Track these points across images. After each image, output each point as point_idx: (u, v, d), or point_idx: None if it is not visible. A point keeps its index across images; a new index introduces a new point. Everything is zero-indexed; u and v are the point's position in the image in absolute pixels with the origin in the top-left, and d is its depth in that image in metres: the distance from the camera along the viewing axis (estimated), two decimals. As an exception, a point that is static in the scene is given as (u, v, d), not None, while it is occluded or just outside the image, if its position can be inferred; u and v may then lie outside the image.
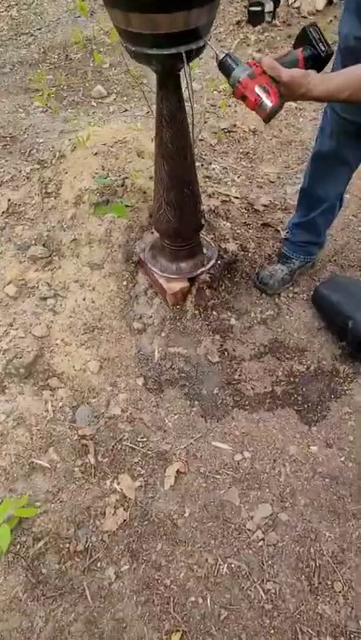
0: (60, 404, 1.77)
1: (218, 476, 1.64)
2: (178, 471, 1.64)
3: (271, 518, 1.56)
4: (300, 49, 1.30)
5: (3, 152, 2.82)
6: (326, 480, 1.62)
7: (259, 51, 3.80)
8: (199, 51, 1.43)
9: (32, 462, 1.64)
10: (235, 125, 3.02)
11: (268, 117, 1.29)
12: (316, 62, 1.28)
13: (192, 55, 1.43)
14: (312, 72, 1.22)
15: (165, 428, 1.74)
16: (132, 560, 1.48)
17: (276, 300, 2.11)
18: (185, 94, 1.54)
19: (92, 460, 1.66)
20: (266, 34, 3.91)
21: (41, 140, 2.83)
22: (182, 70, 1.50)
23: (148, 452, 1.68)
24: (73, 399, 1.79)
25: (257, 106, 1.27)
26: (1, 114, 3.17)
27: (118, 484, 1.62)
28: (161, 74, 1.50)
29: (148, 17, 1.26)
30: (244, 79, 1.25)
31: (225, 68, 1.30)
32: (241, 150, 2.90)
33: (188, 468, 1.65)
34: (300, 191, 2.00)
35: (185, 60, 1.40)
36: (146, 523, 1.55)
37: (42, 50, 3.88)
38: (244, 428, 1.75)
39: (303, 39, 1.30)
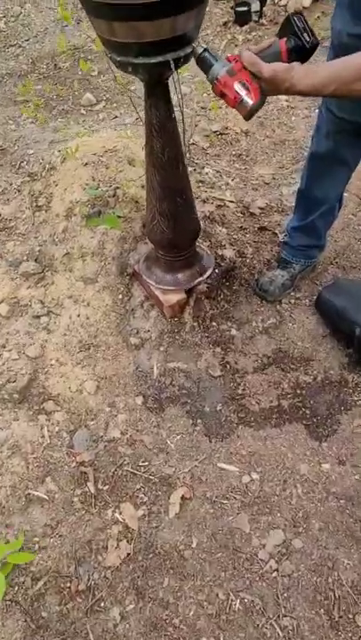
0: (57, 428, 1.62)
1: (225, 501, 1.48)
2: (183, 497, 1.48)
3: (284, 546, 1.41)
4: (284, 39, 1.13)
5: (-7, 165, 2.66)
6: (341, 501, 1.46)
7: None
8: (187, 57, 1.28)
9: (29, 494, 1.48)
10: (226, 127, 2.85)
11: (248, 115, 1.14)
12: (301, 54, 1.11)
13: (180, 62, 1.27)
14: (296, 65, 1.07)
15: (168, 449, 1.59)
16: (138, 598, 1.33)
17: (278, 307, 1.94)
18: (174, 99, 1.38)
19: (92, 489, 1.50)
20: (253, 33, 3.73)
21: (31, 152, 2.66)
22: (171, 77, 1.35)
23: (151, 477, 1.53)
24: (70, 423, 1.63)
25: (237, 103, 1.12)
26: (-10, 126, 3.01)
27: (120, 513, 1.46)
28: (148, 83, 1.35)
29: (132, 25, 1.12)
30: (222, 76, 1.11)
31: (203, 63, 1.15)
32: (234, 152, 2.73)
33: (193, 493, 1.50)
34: (298, 193, 1.84)
35: (173, 67, 1.25)
36: (151, 556, 1.40)
37: (30, 60, 3.71)
38: (250, 446, 1.59)
39: (287, 29, 1.12)
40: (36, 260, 1.98)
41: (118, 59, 1.26)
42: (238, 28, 3.83)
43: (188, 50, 1.28)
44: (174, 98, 1.39)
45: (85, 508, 1.47)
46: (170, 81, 1.37)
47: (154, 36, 1.18)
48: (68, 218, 2.02)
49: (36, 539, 1.41)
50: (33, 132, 2.92)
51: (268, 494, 1.50)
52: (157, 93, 1.38)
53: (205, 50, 1.15)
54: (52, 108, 3.23)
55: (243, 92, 1.11)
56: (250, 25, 3.82)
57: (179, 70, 1.32)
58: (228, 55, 1.14)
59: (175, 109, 1.42)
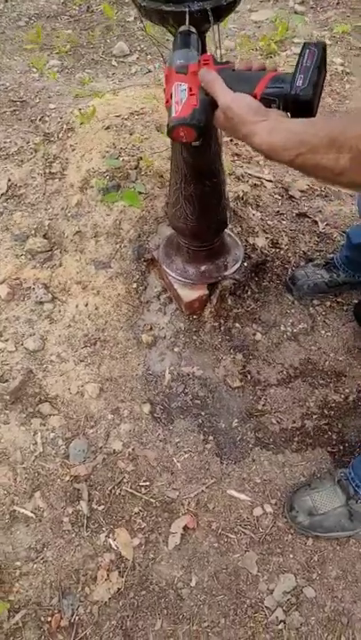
0: (52, 435, 1.44)
1: (233, 536, 1.31)
2: (185, 527, 1.31)
3: (295, 593, 1.24)
4: (273, 74, 0.82)
5: (11, 119, 2.40)
6: (364, 551, 1.27)
7: (302, 2, 3.22)
8: (231, 6, 1.00)
9: (14, 510, 1.32)
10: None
11: (167, 130, 0.86)
12: (286, 105, 0.79)
13: (222, 12, 1.00)
14: (273, 112, 0.77)
15: (173, 469, 1.41)
16: (125, 642, 1.18)
17: (311, 309, 1.70)
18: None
19: (85, 509, 1.34)
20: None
21: (53, 107, 2.39)
22: (210, 30, 1.08)
23: (152, 501, 1.35)
24: (67, 429, 1.46)
25: (167, 106, 0.86)
26: (12, 74, 2.73)
27: (114, 539, 1.30)
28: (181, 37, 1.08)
29: None
30: (169, 67, 0.86)
31: (174, 42, 0.90)
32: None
33: (197, 522, 1.33)
34: None
35: (211, 19, 0.98)
36: (144, 592, 1.24)
37: (61, 1, 3.37)
38: (266, 473, 1.40)
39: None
40: (44, 237, 1.76)
41: (143, 3, 0.99)
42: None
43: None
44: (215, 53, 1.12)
45: (76, 531, 1.31)
46: (208, 35, 1.10)
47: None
48: (82, 190, 1.79)
49: (18, 563, 1.26)
50: (57, 82, 2.64)
51: (282, 532, 1.32)
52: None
53: (187, 32, 0.90)
54: (80, 57, 2.92)
55: (173, 99, 0.84)
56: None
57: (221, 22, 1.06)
58: (206, 54, 0.89)
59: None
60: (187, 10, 0.95)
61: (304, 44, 0.81)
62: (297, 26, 2.97)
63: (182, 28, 0.94)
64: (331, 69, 2.66)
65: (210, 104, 0.85)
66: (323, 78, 0.84)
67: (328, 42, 2.87)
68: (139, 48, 2.98)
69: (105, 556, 1.28)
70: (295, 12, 3.17)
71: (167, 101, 0.88)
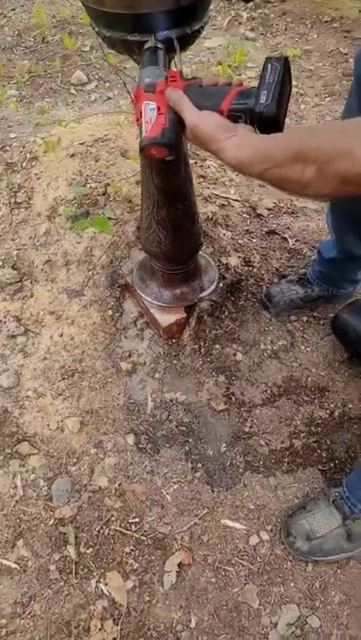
0: (32, 476, 1.34)
1: (230, 568, 1.23)
2: (180, 564, 1.23)
3: (299, 624, 1.16)
4: (237, 89, 0.81)
5: (-29, 150, 2.32)
6: (366, 571, 1.21)
7: (252, 29, 3.27)
8: (195, 34, 0.98)
9: (-4, 562, 1.21)
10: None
11: (140, 148, 0.85)
12: (252, 120, 0.78)
13: (186, 41, 0.97)
14: (241, 127, 0.76)
15: (163, 502, 1.32)
16: None
17: (288, 326, 1.66)
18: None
19: (73, 553, 1.24)
20: (259, 11, 3.38)
21: (13, 136, 2.31)
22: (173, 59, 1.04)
23: (143, 538, 1.26)
24: (48, 469, 1.36)
25: (138, 124, 0.85)
26: (-31, 105, 2.65)
27: (106, 584, 1.20)
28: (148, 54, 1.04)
29: None
30: (139, 87, 0.85)
31: (142, 59, 0.88)
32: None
33: (192, 557, 1.24)
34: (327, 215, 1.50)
35: (177, 48, 0.95)
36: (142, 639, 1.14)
37: (16, 32, 3.32)
38: (259, 498, 1.33)
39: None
40: (13, 267, 1.68)
41: (107, 34, 0.96)
42: (243, 4, 3.46)
43: (198, 25, 0.98)
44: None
45: (64, 579, 1.20)
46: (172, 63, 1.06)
47: (154, 6, 0.88)
48: (50, 218, 1.72)
49: (4, 620, 1.14)
50: (17, 112, 2.57)
51: (281, 559, 1.24)
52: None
53: (155, 48, 0.88)
54: (38, 86, 2.87)
55: (143, 118, 0.83)
56: (255, 2, 3.46)
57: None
58: (171, 70, 0.86)
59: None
60: (174, 37, 0.92)
61: (267, 58, 0.78)
62: (249, 51, 3.00)
63: (149, 44, 0.91)
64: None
65: (179, 122, 0.83)
66: (288, 92, 0.82)
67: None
68: (97, 76, 2.95)
69: (97, 603, 1.18)
70: (246, 39, 3.22)
71: (137, 119, 0.86)
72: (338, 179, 0.64)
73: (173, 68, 1.06)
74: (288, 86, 0.81)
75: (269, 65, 0.77)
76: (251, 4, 3.44)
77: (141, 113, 0.84)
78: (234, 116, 0.79)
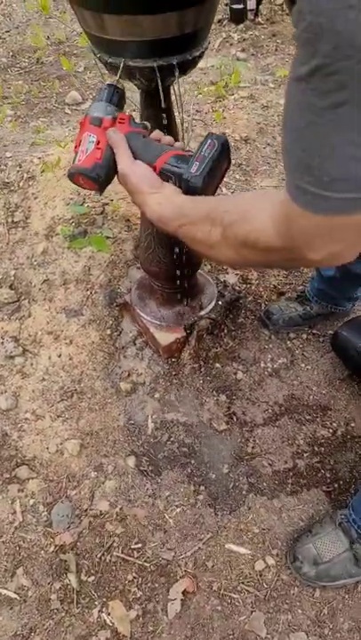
0: (32, 501, 1.29)
1: (236, 595, 1.18)
2: (185, 591, 1.18)
3: (308, 653, 1.11)
4: (177, 152, 0.83)
5: (-34, 169, 2.29)
6: (375, 597, 1.17)
7: (243, 50, 3.30)
8: (196, 60, 0.96)
9: (-5, 593, 1.16)
10: (224, 133, 2.52)
11: (68, 175, 0.85)
12: (180, 184, 0.81)
13: (187, 66, 0.96)
14: (169, 186, 0.79)
15: (166, 526, 1.27)
16: None
17: (288, 343, 1.63)
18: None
19: (74, 582, 1.18)
20: (250, 32, 3.40)
21: (9, 155, 2.29)
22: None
23: (146, 565, 1.21)
24: (48, 493, 1.30)
25: (74, 152, 0.86)
26: (-36, 125, 2.63)
27: (109, 614, 1.15)
28: (147, 91, 1.02)
29: (129, 20, 0.80)
30: (87, 117, 0.85)
31: (99, 93, 0.89)
32: (233, 162, 2.39)
33: (197, 584, 1.19)
34: None
35: (177, 73, 0.94)
36: (147, 673, 1.09)
37: (10, 53, 3.32)
38: (263, 522, 1.29)
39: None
40: (10, 287, 1.64)
41: (109, 60, 0.94)
42: (234, 26, 3.49)
43: (198, 52, 0.96)
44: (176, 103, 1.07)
45: (65, 609, 1.15)
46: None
47: (157, 33, 0.86)
48: (48, 237, 1.68)
49: (3, 655, 1.09)
50: (12, 132, 2.55)
51: (287, 585, 1.20)
52: (157, 103, 1.05)
53: (112, 86, 0.89)
54: (33, 106, 2.85)
55: (80, 146, 0.84)
56: (246, 23, 3.49)
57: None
58: (123, 114, 0.88)
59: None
60: (154, 65, 0.91)
61: (208, 133, 0.82)
62: (241, 72, 3.01)
63: (110, 82, 0.90)
64: (278, 110, 2.69)
65: (114, 162, 0.84)
66: (223, 169, 0.85)
67: (272, 85, 2.92)
68: (91, 96, 2.94)
69: (100, 634, 1.12)
70: (238, 59, 3.23)
71: (76, 147, 0.86)
72: (238, 242, 0.66)
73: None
74: (224, 164, 0.84)
75: (209, 140, 0.81)
76: (241, 25, 3.47)
77: (80, 141, 0.85)
78: (165, 175, 0.81)
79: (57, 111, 2.82)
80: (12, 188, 1.88)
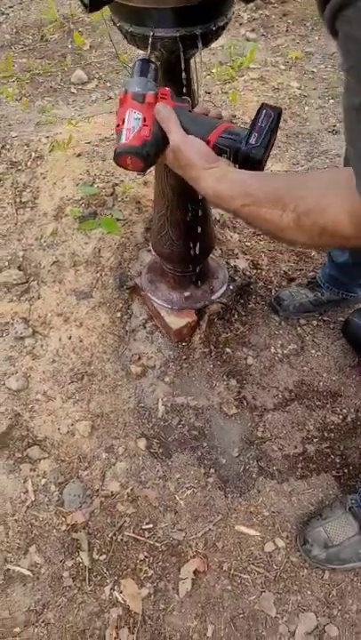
0: (43, 481, 1.32)
1: (246, 576, 1.22)
2: (196, 571, 1.21)
3: (317, 633, 1.15)
4: (225, 124, 0.82)
5: (-29, 148, 2.29)
6: (384, 579, 1.21)
7: (253, 30, 3.28)
8: (219, 31, 0.97)
9: (8, 570, 1.19)
10: (234, 116, 2.52)
11: (114, 156, 0.83)
12: (233, 157, 0.80)
13: (210, 37, 0.96)
14: (224, 161, 0.78)
15: (176, 508, 1.31)
16: None
17: (298, 329, 1.66)
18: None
19: (86, 560, 1.22)
20: (260, 12, 3.38)
21: (14, 134, 2.29)
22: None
23: (157, 545, 1.25)
24: (59, 473, 1.34)
25: (116, 131, 0.83)
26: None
27: (120, 592, 1.19)
28: (167, 62, 1.03)
29: None
30: (125, 92, 0.83)
31: (134, 68, 0.86)
32: (243, 145, 2.40)
33: (207, 564, 1.23)
34: None
35: (200, 44, 0.94)
36: (158, 649, 1.13)
37: (14, 30, 3.29)
38: (273, 505, 1.32)
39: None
40: (19, 268, 1.65)
41: (130, 29, 0.94)
42: (243, 5, 3.46)
43: (223, 21, 0.97)
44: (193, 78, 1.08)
45: (78, 586, 1.18)
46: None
47: (181, 1, 0.87)
48: (57, 218, 1.70)
49: (17, 629, 1.12)
50: (16, 111, 2.55)
51: (297, 567, 1.24)
52: (177, 77, 1.06)
53: (145, 60, 0.87)
54: (38, 85, 2.84)
55: (125, 124, 0.81)
56: (256, 2, 3.47)
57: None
58: (162, 87, 0.86)
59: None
60: (177, 35, 0.91)
61: (262, 104, 0.81)
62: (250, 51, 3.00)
63: (143, 56, 0.90)
64: (289, 92, 2.69)
65: (162, 139, 0.83)
66: (273, 140, 0.84)
67: (282, 67, 2.92)
68: (97, 75, 2.93)
69: (112, 611, 1.16)
70: (247, 40, 3.22)
71: (118, 125, 0.84)
72: (315, 231, 0.67)
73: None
74: (275, 136, 0.83)
75: (264, 111, 0.79)
76: (251, 4, 3.44)
77: (124, 120, 0.83)
78: (219, 149, 0.80)
79: (62, 90, 2.81)
80: (20, 168, 1.89)
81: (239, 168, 0.79)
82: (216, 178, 0.75)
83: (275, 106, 0.80)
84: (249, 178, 0.74)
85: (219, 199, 0.75)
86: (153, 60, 0.91)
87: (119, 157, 0.82)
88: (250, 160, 0.77)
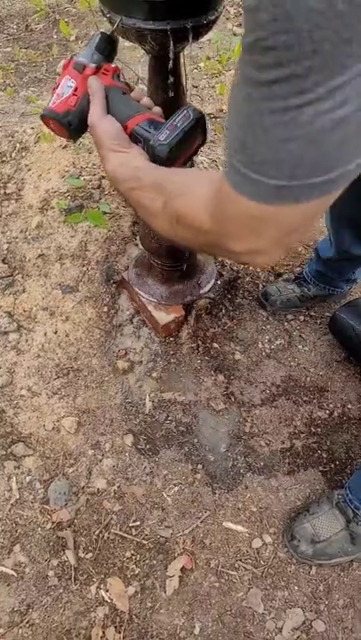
0: (28, 478, 1.29)
1: (233, 572, 1.20)
2: (183, 568, 1.19)
3: (304, 629, 1.14)
4: (152, 116, 0.80)
5: None
6: (370, 574, 1.20)
7: (239, 25, 3.24)
8: (210, 24, 0.94)
9: (-8, 569, 1.16)
10: (221, 110, 2.49)
11: (40, 115, 0.83)
12: (146, 149, 0.78)
13: (201, 30, 0.94)
14: (136, 148, 0.76)
15: (164, 504, 1.29)
16: None
17: (286, 324, 1.65)
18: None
19: (72, 559, 1.19)
20: (247, 6, 3.34)
21: (-1, 125, 2.24)
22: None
23: (144, 542, 1.23)
24: (44, 470, 1.30)
25: (51, 94, 0.83)
26: None
27: (107, 590, 1.16)
28: (157, 56, 1.00)
29: None
30: (71, 61, 0.81)
31: (91, 40, 0.84)
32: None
33: (195, 561, 1.21)
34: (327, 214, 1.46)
35: (191, 37, 0.92)
36: (145, 647, 1.11)
37: (-2, 19, 3.22)
38: (261, 500, 1.31)
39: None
40: (3, 261, 1.61)
41: (119, 21, 0.91)
42: (231, -2, 3.43)
43: (214, 15, 0.94)
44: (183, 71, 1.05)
45: (63, 585, 1.16)
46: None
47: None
48: (43, 211, 1.66)
49: (1, 630, 1.09)
50: (0, 101, 2.49)
51: (284, 563, 1.22)
52: (166, 71, 1.03)
53: (103, 34, 0.85)
54: (22, 75, 2.78)
55: (58, 89, 0.80)
56: (243, -4, 3.44)
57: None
58: (112, 65, 0.84)
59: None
60: (168, 28, 0.88)
61: (187, 106, 0.78)
62: (237, 46, 2.97)
63: (104, 30, 0.87)
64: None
65: (86, 113, 0.81)
66: (193, 145, 0.81)
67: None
68: (83, 67, 2.88)
69: (98, 610, 1.13)
70: (234, 34, 3.19)
71: (54, 89, 0.83)
72: (174, 216, 0.64)
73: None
74: (198, 139, 0.81)
75: (184, 111, 0.77)
76: (238, -1, 3.41)
77: (59, 84, 0.82)
78: (135, 137, 0.78)
79: (47, 80, 2.75)
80: (4, 159, 1.84)
81: (150, 161, 0.77)
82: (120, 162, 0.74)
83: (198, 110, 0.78)
84: (145, 166, 0.73)
85: (115, 181, 0.75)
86: (114, 37, 0.88)
87: (42, 119, 0.83)
88: (155, 155, 0.76)
